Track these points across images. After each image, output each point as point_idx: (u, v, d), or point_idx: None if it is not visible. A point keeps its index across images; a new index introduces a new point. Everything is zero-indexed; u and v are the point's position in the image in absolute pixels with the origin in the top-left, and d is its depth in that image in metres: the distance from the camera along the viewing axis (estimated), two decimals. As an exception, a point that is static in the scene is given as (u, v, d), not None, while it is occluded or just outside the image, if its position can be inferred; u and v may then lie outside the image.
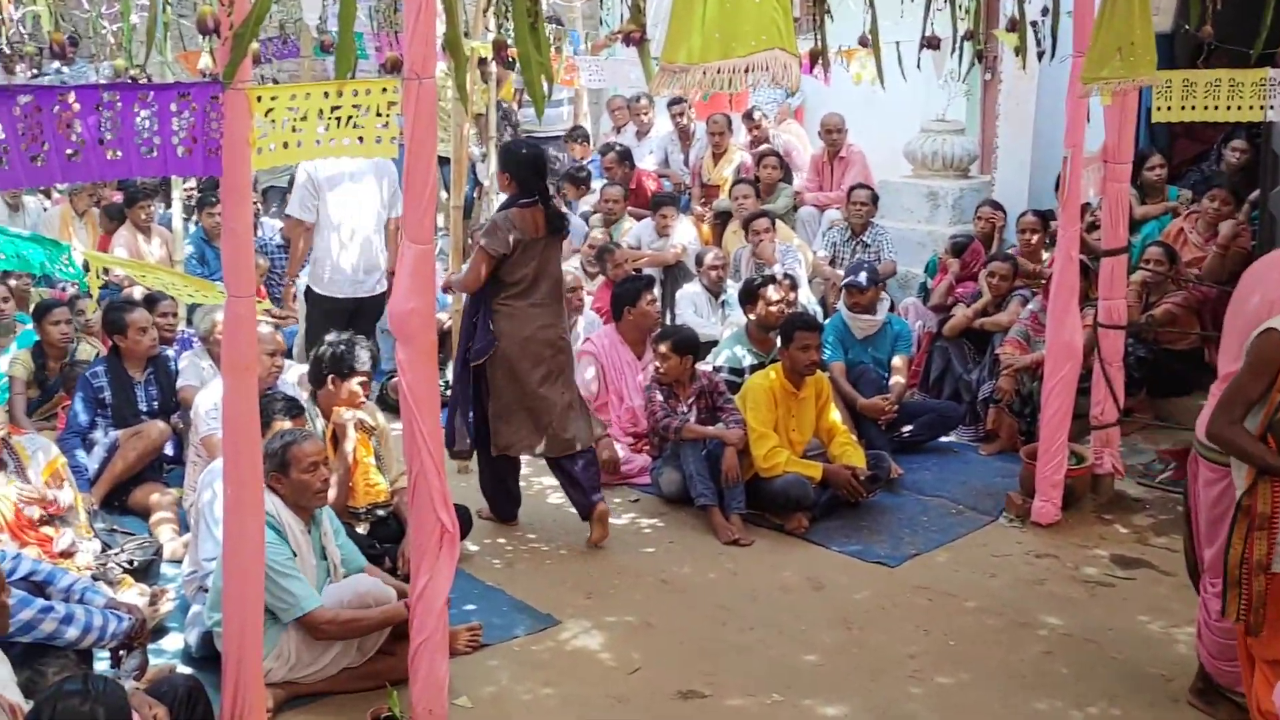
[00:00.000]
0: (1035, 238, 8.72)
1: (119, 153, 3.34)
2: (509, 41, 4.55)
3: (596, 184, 11.44)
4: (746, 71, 3.06)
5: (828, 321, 8.19)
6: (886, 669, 5.20)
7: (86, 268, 4.19)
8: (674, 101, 11.91)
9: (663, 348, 7.03)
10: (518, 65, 4.47)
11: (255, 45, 4.52)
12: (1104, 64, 5.48)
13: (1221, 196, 8.34)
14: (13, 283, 8.46)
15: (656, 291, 8.24)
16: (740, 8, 3.02)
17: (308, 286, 8.13)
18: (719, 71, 3.06)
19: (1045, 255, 8.59)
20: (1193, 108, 6.52)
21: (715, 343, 8.32)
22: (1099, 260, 6.88)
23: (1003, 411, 7.74)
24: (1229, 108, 6.46)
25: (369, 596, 4.99)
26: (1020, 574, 6.11)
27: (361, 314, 7.99)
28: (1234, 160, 8.98)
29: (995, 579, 6.06)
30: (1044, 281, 7.97)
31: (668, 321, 9.33)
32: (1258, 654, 3.95)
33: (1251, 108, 6.34)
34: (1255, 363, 3.81)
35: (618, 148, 11.54)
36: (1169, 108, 6.57)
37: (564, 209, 10.45)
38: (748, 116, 11.52)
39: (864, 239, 9.72)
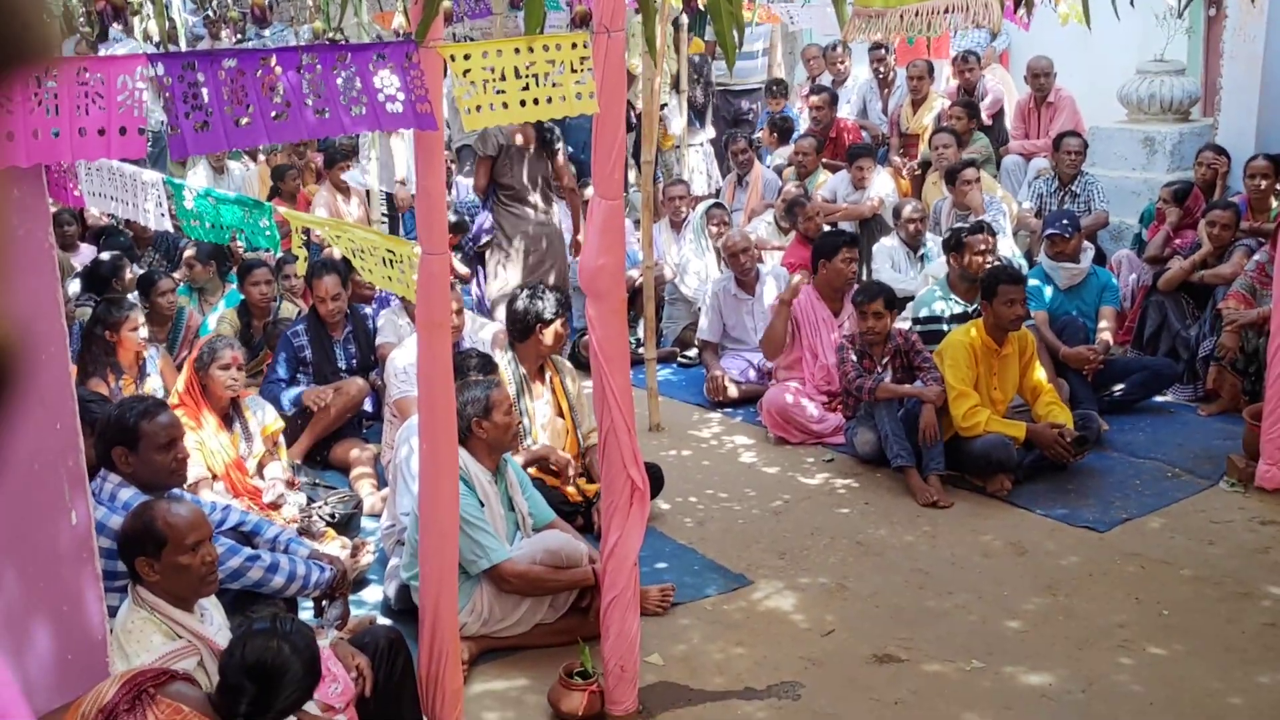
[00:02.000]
0: (1265, 184, 8.31)
1: (327, 112, 3.47)
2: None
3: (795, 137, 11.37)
4: (946, 12, 2.98)
5: (1029, 271, 8.00)
6: (1094, 638, 5.09)
7: (285, 229, 4.36)
8: (874, 47, 11.73)
9: (876, 305, 6.96)
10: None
11: (448, 4, 4.63)
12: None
13: None
14: (189, 252, 8.91)
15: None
16: (937, -54, 2.96)
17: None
18: (916, 14, 3.00)
19: (1275, 203, 8.20)
20: None
21: (911, 298, 8.21)
22: (1333, 207, 6.54)
23: (1224, 369, 7.44)
24: None
25: (561, 554, 5.12)
26: (1242, 541, 5.89)
27: None
28: None
29: (1214, 547, 5.86)
30: (1273, 230, 7.62)
31: (863, 277, 9.25)
32: None
33: None
34: None
35: (826, 91, 11.42)
36: None
37: (750, 156, 10.50)
38: (960, 60, 11.24)
39: (1073, 189, 9.43)
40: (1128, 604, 5.37)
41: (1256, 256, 7.61)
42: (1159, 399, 7.75)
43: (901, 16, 3.02)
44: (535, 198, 8.38)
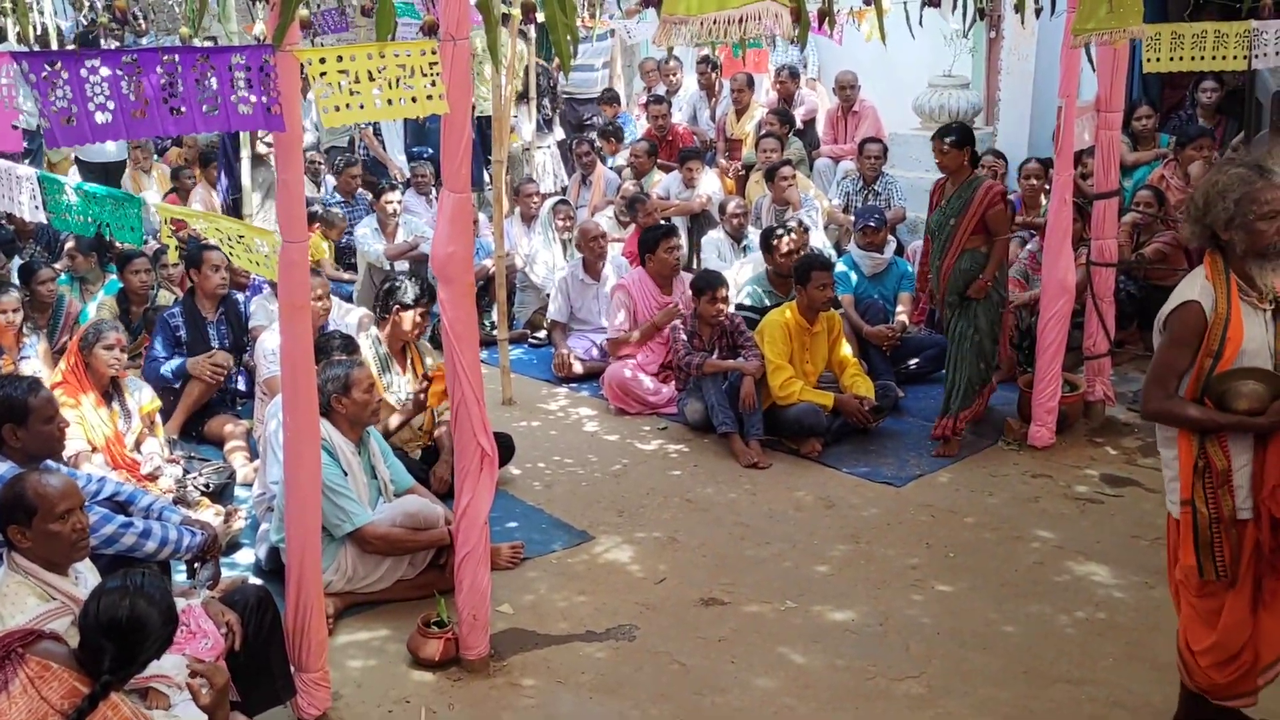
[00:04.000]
0: (1036, 183, 8.59)
1: (183, 109, 3.34)
2: (537, 4, 4.50)
3: (629, 140, 11.37)
4: (741, 21, 3.01)
5: (840, 259, 8.16)
6: (890, 579, 5.22)
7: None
8: (701, 61, 11.81)
9: (720, 292, 7.05)
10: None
11: (305, 12, 4.51)
12: (1093, 16, 5.38)
13: (1207, 144, 8.21)
14: (70, 244, 8.55)
15: (681, 240, 8.23)
16: (735, -37, 2.98)
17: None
18: (715, 22, 3.02)
19: (1044, 200, 8.48)
20: (1181, 58, 6.39)
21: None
22: (1092, 203, 6.79)
23: (1004, 344, 7.67)
24: (1215, 58, 6.33)
25: (419, 517, 5.05)
26: (1017, 493, 6.09)
27: None
28: (1206, 100, 8.96)
29: (993, 497, 6.05)
30: (1042, 224, 7.88)
31: (694, 266, 9.32)
32: (1189, 591, 3.69)
33: (1235, 58, 6.21)
34: (1178, 335, 3.58)
35: (665, 101, 11.43)
36: (1159, 59, 6.44)
37: (593, 158, 10.46)
38: (779, 74, 11.37)
39: (875, 188, 9.63)
40: (920, 548, 5.51)
41: (1029, 246, 7.88)
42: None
43: (702, 24, 3.03)
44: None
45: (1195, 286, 3.59)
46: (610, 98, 12.44)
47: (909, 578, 5.23)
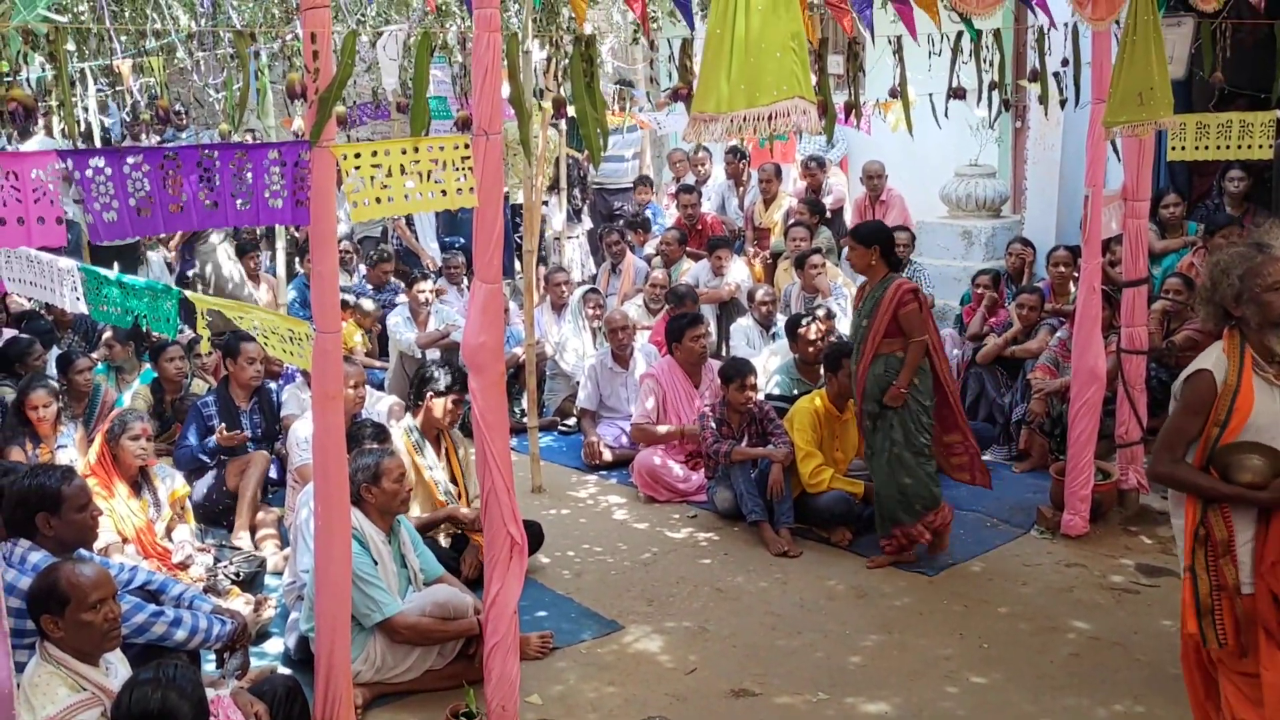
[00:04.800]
0: (1065, 270, 8.61)
1: (216, 204, 3.43)
2: (568, 99, 4.60)
3: (656, 230, 11.49)
4: (771, 119, 3.07)
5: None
6: (924, 670, 5.14)
7: (191, 312, 4.27)
8: (729, 151, 11.97)
9: (748, 380, 6.99)
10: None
11: (341, 108, 4.62)
12: (1124, 109, 5.43)
13: (1235, 233, 8.20)
14: (107, 334, 8.67)
15: (711, 327, 8.24)
16: (762, 60, 3.04)
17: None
18: (744, 119, 3.08)
19: (1073, 288, 8.49)
20: (1206, 147, 6.45)
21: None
22: (1121, 291, 6.79)
23: (1034, 432, 7.65)
24: (1240, 147, 6.39)
25: (448, 606, 5.03)
26: (1050, 582, 6.01)
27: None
28: (1234, 189, 8.95)
29: (1027, 587, 5.97)
30: (1071, 311, 7.88)
31: (723, 353, 9.34)
32: (1230, 667, 3.74)
33: (1261, 146, 6.26)
34: (1189, 402, 3.72)
35: (695, 191, 11.58)
36: (1184, 148, 6.50)
37: (622, 246, 10.56)
38: (807, 164, 11.49)
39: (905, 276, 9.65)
40: (953, 639, 5.43)
41: (1059, 334, 7.86)
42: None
43: (732, 120, 3.10)
44: None
45: (1211, 357, 3.74)
46: (644, 181, 12.63)
47: (943, 669, 5.15)
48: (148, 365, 8.34)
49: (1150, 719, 4.67)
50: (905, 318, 6.07)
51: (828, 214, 11.13)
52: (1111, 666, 5.10)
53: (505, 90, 4.23)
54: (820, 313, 7.97)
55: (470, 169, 4.03)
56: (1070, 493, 6.50)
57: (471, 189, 4.04)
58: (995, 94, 6.99)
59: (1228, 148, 6.41)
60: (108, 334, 8.72)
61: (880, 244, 6.20)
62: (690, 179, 12.47)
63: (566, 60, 5.70)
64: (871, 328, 6.16)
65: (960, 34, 6.46)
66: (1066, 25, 6.64)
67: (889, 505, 6.23)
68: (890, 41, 6.27)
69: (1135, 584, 5.94)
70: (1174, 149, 6.51)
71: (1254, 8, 6.05)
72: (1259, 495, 3.58)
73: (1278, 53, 6.27)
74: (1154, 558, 6.23)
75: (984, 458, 7.77)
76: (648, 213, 12.07)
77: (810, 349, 7.64)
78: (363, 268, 11.00)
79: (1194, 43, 6.61)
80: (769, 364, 8.30)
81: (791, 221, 10.49)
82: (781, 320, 8.89)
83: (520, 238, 9.03)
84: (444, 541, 6.13)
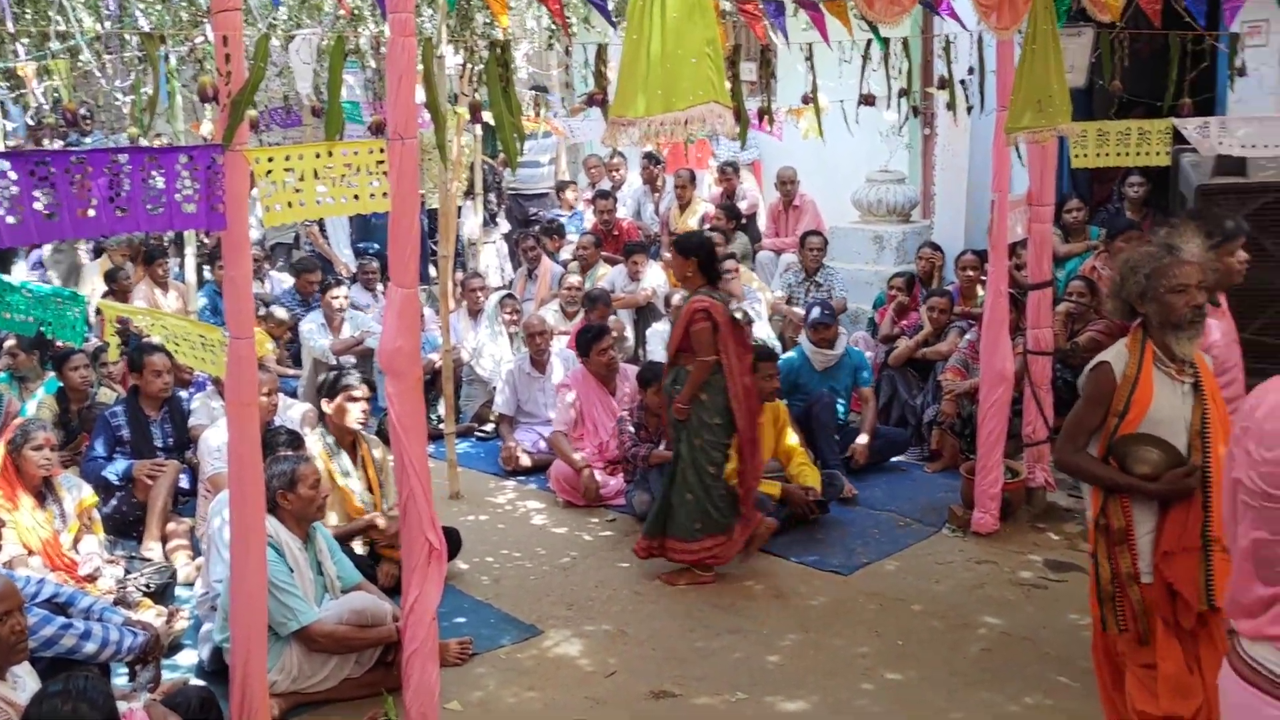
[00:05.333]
0: (973, 274, 8.79)
1: (126, 209, 3.37)
2: (485, 104, 4.60)
3: (572, 236, 11.50)
4: (686, 124, 3.11)
5: (785, 356, 8.22)
6: (841, 668, 5.22)
7: (99, 316, 4.21)
8: (645, 157, 12.03)
9: (651, 390, 7.00)
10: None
11: (253, 112, 4.57)
12: (1025, 116, 5.58)
13: (1136, 238, 8.44)
14: (10, 342, 8.45)
15: (627, 331, 8.25)
16: (678, 66, 3.08)
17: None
18: (661, 124, 3.12)
19: (981, 291, 8.66)
20: (1107, 154, 6.63)
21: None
22: (1026, 294, 6.95)
23: (945, 432, 7.79)
24: (1139, 153, 6.58)
25: (366, 613, 4.99)
26: (962, 579, 6.13)
27: None
28: (1134, 194, 9.24)
29: (939, 584, 6.08)
30: (979, 314, 8.04)
31: (640, 357, 9.38)
32: (1131, 660, 3.86)
33: (1158, 153, 6.46)
34: (1090, 394, 3.85)
35: (610, 197, 11.62)
36: (1086, 155, 6.68)
37: (539, 252, 10.56)
38: (722, 169, 11.61)
39: (817, 279, 9.79)
40: (869, 637, 5.52)
41: (968, 336, 8.02)
42: (893, 460, 8.03)
43: (650, 124, 3.13)
44: None
45: (1113, 351, 3.86)
46: (567, 186, 12.68)
47: (859, 666, 5.23)
48: (51, 374, 8.13)
49: (1060, 711, 4.79)
50: (694, 335, 6.01)
51: (743, 219, 11.24)
52: (1022, 661, 5.22)
53: (420, 95, 4.22)
54: (738, 315, 8.02)
55: (385, 173, 4.01)
56: (980, 491, 6.64)
57: (386, 194, 4.02)
58: (904, 101, 7.12)
59: (1127, 154, 6.60)
60: (10, 342, 8.49)
61: (700, 256, 6.15)
62: (606, 184, 12.50)
63: (482, 65, 5.69)
64: (671, 337, 6.22)
65: (870, 41, 6.59)
66: (972, 34, 6.80)
67: (663, 513, 6.18)
68: (802, 49, 6.36)
69: (1044, 579, 6.08)
70: (1077, 156, 6.69)
71: (1150, 19, 6.24)
72: (1150, 487, 3.70)
73: (1170, 62, 6.49)
74: (1061, 553, 6.39)
75: (898, 458, 7.96)
76: (562, 219, 12.07)
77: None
78: (275, 275, 10.84)
79: (1094, 52, 6.79)
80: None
81: (707, 227, 10.56)
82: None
83: (436, 244, 8.98)
84: (361, 549, 6.07)
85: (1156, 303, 3.74)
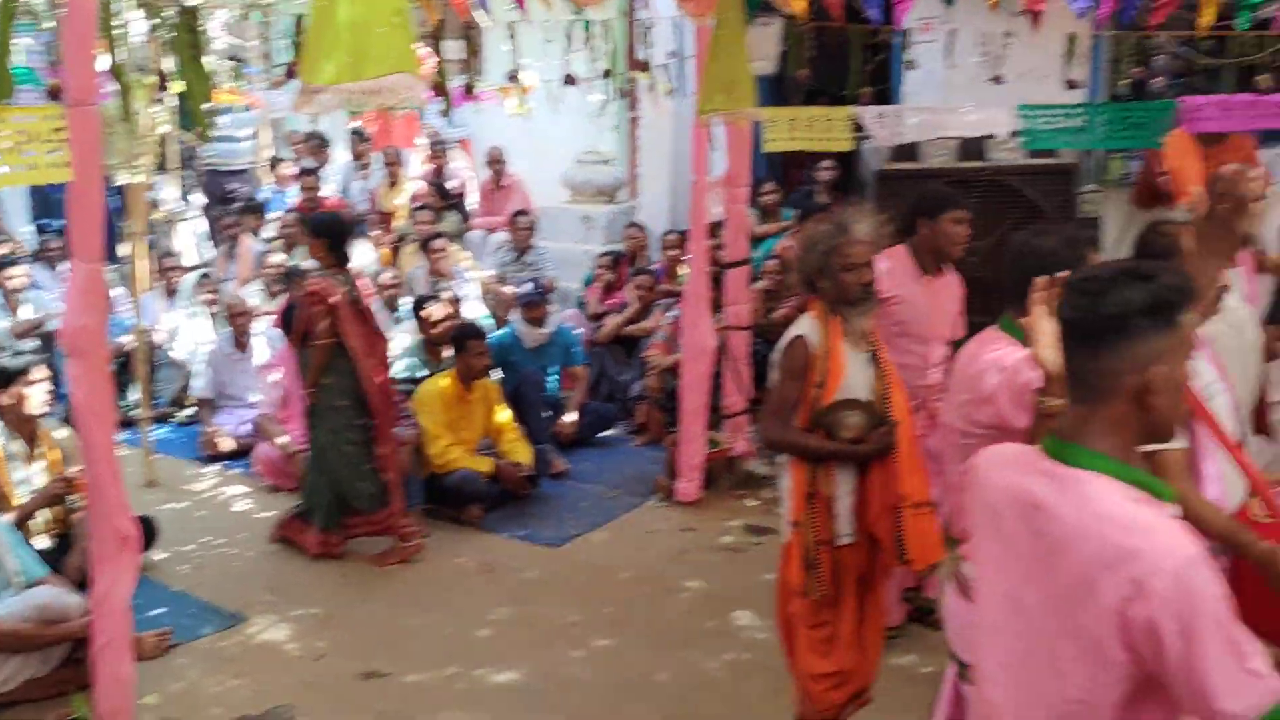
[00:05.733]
0: (675, 254, 9.08)
1: None
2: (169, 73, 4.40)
3: (271, 214, 11.11)
4: (377, 92, 3.09)
5: (496, 334, 8.26)
6: (551, 638, 5.33)
7: None
8: (352, 134, 11.77)
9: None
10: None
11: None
12: (713, 99, 5.79)
13: (826, 218, 8.94)
14: None
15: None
16: (367, 36, 3.04)
17: None
18: (352, 92, 3.09)
19: (683, 270, 8.97)
20: (796, 139, 6.99)
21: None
22: (725, 272, 7.26)
23: (651, 406, 8.04)
24: (825, 139, 6.96)
25: (50, 609, 4.72)
26: (667, 546, 6.36)
27: None
28: (824, 178, 9.75)
29: (645, 552, 6.29)
30: (680, 291, 8.33)
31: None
32: (804, 622, 3.98)
33: (842, 139, 6.86)
34: (788, 368, 3.94)
35: (314, 173, 11.25)
36: (777, 139, 7.02)
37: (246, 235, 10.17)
38: (432, 147, 11.46)
39: (527, 259, 9.86)
40: (579, 606, 5.65)
41: (672, 313, 8.30)
42: (602, 434, 8.22)
43: (340, 92, 3.09)
44: None
45: (805, 324, 3.98)
46: (278, 162, 12.19)
47: (569, 635, 5.35)
48: None
49: (760, 666, 5.03)
50: (308, 320, 6.06)
51: (452, 198, 11.18)
52: (723, 620, 5.48)
53: (104, 62, 4.00)
54: (446, 295, 8.02)
55: (64, 141, 3.78)
56: (684, 461, 6.90)
57: (66, 163, 3.80)
58: (609, 82, 7.28)
59: (815, 140, 6.98)
60: None
61: (328, 236, 6.17)
62: (310, 161, 12.14)
63: (172, 33, 5.43)
64: (297, 320, 6.22)
65: (573, 22, 6.70)
66: (672, 19, 7.03)
67: (318, 504, 6.22)
68: (507, 28, 6.41)
69: (743, 543, 6.40)
70: (769, 140, 7.02)
71: (832, 14, 6.62)
72: (860, 449, 3.85)
73: (851, 55, 6.92)
74: (759, 518, 6.71)
75: (607, 433, 8.16)
76: (274, 196, 11.63)
77: (435, 330, 7.67)
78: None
79: (783, 42, 7.14)
80: (395, 346, 8.24)
81: (417, 205, 10.45)
82: (407, 303, 8.86)
83: (125, 222, 8.50)
84: (47, 542, 5.68)
85: (831, 279, 3.90)
